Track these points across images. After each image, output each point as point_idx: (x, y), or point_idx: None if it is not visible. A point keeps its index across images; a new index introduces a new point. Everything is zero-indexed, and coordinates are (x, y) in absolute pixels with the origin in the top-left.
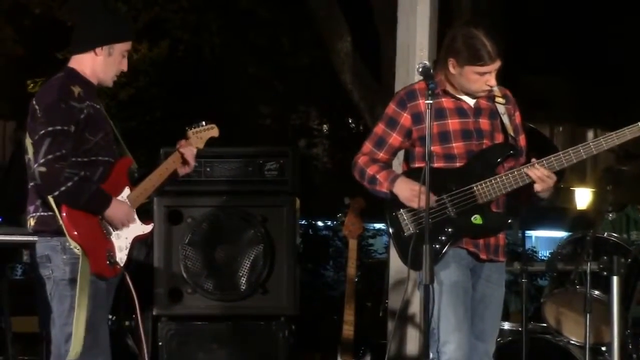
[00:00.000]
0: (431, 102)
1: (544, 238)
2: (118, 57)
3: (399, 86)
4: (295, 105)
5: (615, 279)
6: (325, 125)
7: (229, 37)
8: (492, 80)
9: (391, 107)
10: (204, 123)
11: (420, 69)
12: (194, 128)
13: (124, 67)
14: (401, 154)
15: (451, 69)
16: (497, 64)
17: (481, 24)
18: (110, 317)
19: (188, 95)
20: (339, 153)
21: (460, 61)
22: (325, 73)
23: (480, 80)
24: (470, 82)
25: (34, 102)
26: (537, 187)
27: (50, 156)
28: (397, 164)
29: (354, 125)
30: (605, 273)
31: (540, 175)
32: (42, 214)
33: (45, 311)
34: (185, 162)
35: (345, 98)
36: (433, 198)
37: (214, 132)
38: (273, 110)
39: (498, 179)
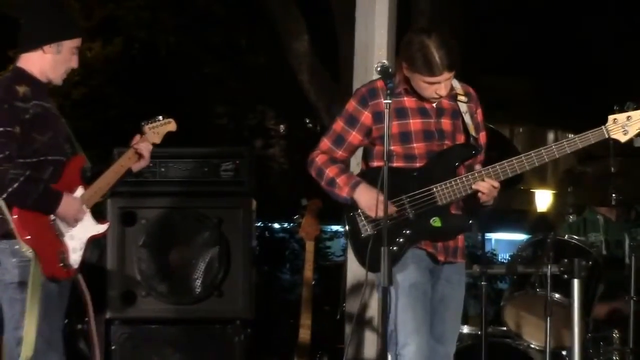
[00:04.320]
0: (389, 101)
1: (504, 240)
2: (67, 54)
3: (357, 86)
4: (252, 104)
5: (576, 282)
6: (282, 126)
7: (185, 35)
8: (442, 90)
9: (352, 104)
10: (160, 117)
11: (379, 69)
12: (150, 123)
13: (74, 64)
14: (359, 152)
15: (404, 72)
16: (447, 76)
17: (436, 33)
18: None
19: (143, 94)
20: (295, 154)
21: (411, 68)
22: (282, 72)
23: (429, 88)
24: (420, 89)
25: None
26: (481, 197)
27: None
28: (355, 164)
29: (311, 125)
30: (566, 276)
31: (484, 187)
32: None
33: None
34: (140, 156)
35: (303, 98)
36: (393, 208)
37: (171, 126)
38: (229, 109)
39: (458, 181)
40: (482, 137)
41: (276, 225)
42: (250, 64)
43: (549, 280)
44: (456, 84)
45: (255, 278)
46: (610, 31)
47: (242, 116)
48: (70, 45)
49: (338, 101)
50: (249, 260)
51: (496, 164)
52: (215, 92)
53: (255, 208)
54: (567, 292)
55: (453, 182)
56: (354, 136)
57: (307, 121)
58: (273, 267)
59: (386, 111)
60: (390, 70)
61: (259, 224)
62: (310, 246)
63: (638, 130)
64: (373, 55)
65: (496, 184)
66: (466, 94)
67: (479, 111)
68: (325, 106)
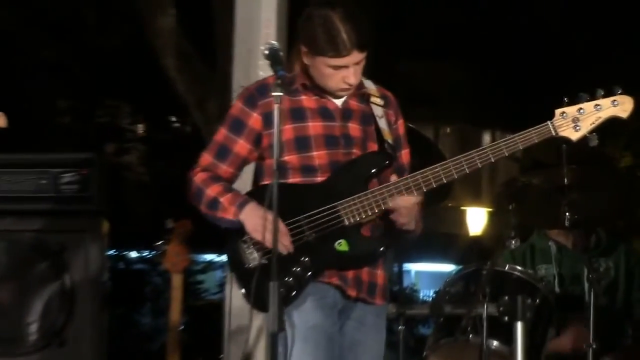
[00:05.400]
0: (280, 94)
1: (427, 272)
2: None
3: (238, 74)
4: (102, 98)
5: (519, 325)
6: (140, 125)
7: (17, 9)
8: (351, 77)
9: (237, 106)
10: None
11: (267, 52)
12: None
13: None
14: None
15: (304, 59)
16: (357, 57)
17: (341, 5)
18: None
19: None
20: (158, 161)
21: (312, 50)
22: (142, 56)
23: (336, 75)
24: (324, 77)
25: None
26: (398, 218)
27: None
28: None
29: (178, 124)
30: (506, 318)
31: (399, 204)
32: None
33: None
34: None
35: (167, 89)
36: (285, 230)
37: None
38: (73, 104)
39: (370, 196)
40: (405, 155)
41: (134, 254)
42: (100, 45)
43: (484, 324)
44: (370, 84)
45: (106, 322)
46: (564, 9)
47: (90, 113)
48: None
49: (213, 93)
50: (98, 299)
51: (416, 172)
52: (55, 82)
53: (107, 232)
54: (508, 339)
55: (363, 198)
56: (241, 145)
57: (173, 119)
58: (130, 308)
59: (276, 106)
60: (281, 53)
61: (111, 252)
62: (177, 281)
63: (592, 126)
64: (258, 34)
65: (412, 199)
66: (383, 97)
67: (401, 122)
68: (197, 100)
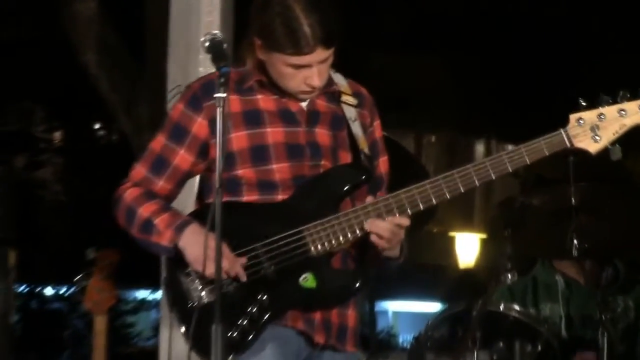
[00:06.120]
0: (223, 95)
1: (407, 314)
2: None
3: (174, 71)
4: (11, 101)
5: None
6: (57, 133)
7: None
8: (314, 78)
9: (178, 109)
10: None
11: (208, 44)
12: None
13: None
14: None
15: (258, 53)
16: (322, 55)
17: None
18: None
19: None
20: (78, 177)
21: (268, 44)
22: (58, 50)
23: (297, 76)
24: (283, 77)
25: None
26: (378, 242)
27: None
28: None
29: (102, 132)
30: None
31: (382, 228)
32: None
33: None
34: None
35: (89, 90)
36: (234, 258)
37: None
38: None
39: (342, 219)
40: (383, 163)
41: (49, 291)
42: (9, 38)
43: None
44: (340, 79)
45: None
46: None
47: None
48: None
49: (144, 94)
50: (4, 346)
51: (399, 191)
52: None
53: (15, 263)
54: None
55: (333, 222)
56: (182, 156)
57: (96, 126)
58: (44, 356)
59: (218, 110)
60: (225, 46)
61: (21, 289)
62: (100, 323)
63: (616, 136)
64: (198, 23)
65: (403, 222)
66: (356, 95)
67: (377, 124)
68: (124, 102)
